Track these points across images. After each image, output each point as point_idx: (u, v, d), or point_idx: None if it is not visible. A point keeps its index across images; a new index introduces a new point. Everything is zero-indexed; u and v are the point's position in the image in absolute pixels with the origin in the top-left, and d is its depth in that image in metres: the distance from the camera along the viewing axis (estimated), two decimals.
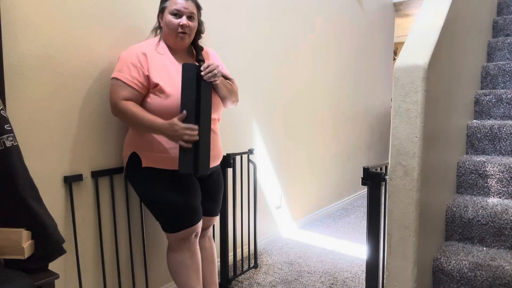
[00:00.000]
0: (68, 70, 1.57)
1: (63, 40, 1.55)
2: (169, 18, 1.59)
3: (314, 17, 3.14)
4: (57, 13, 1.52)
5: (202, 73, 1.54)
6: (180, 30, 1.59)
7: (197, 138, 1.50)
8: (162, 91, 1.55)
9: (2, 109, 1.12)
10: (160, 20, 1.65)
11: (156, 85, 1.55)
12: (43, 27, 1.48)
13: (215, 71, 1.56)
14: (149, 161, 1.59)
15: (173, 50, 1.66)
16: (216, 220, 1.94)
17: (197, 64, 1.58)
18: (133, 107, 1.53)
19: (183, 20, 1.59)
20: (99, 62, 1.67)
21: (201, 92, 1.52)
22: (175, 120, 1.49)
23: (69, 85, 1.58)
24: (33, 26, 1.45)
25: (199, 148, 1.51)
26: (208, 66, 1.55)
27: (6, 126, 1.11)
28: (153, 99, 1.56)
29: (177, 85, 1.57)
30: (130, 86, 1.53)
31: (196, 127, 1.50)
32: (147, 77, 1.55)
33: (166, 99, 1.55)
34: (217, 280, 1.92)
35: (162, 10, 1.62)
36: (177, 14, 1.58)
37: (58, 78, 1.54)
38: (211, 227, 1.92)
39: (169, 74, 1.58)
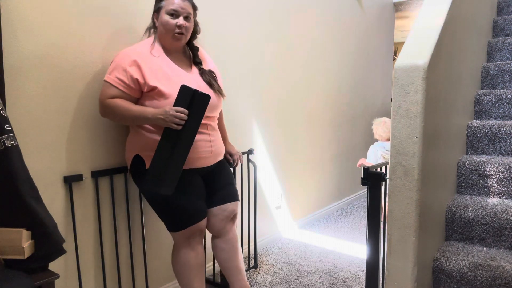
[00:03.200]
0: (68, 70, 1.57)
1: (63, 40, 1.55)
2: (166, 18, 1.58)
3: (314, 17, 3.14)
4: (57, 13, 1.52)
5: (234, 166, 1.91)
6: (177, 30, 1.59)
7: (183, 122, 1.49)
8: (161, 94, 1.55)
9: (2, 109, 1.12)
10: (155, 20, 1.64)
11: (154, 88, 1.55)
12: (43, 27, 1.48)
13: (240, 160, 1.93)
14: None
15: (168, 51, 1.65)
16: (238, 207, 1.86)
17: (194, 89, 1.55)
18: (121, 102, 1.54)
19: (180, 21, 1.58)
20: (100, 62, 1.68)
21: (191, 115, 1.51)
22: (167, 106, 1.51)
23: (69, 85, 1.58)
24: (33, 26, 1.45)
25: (169, 168, 1.51)
26: (237, 160, 1.91)
27: (6, 126, 1.11)
28: (152, 103, 1.56)
29: (175, 86, 1.56)
30: (116, 88, 1.54)
31: (186, 111, 1.50)
32: (137, 81, 1.54)
33: (166, 101, 1.55)
34: (243, 267, 1.89)
35: (158, 10, 1.61)
36: (174, 14, 1.58)
37: (58, 78, 1.54)
38: (235, 219, 1.86)
39: (166, 76, 1.58)
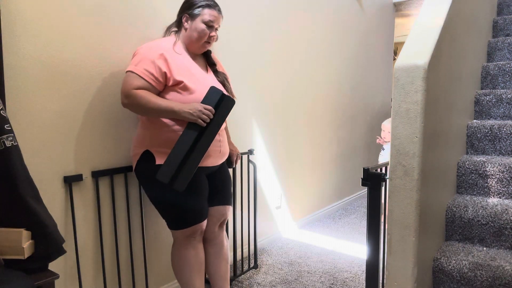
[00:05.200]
0: (68, 70, 1.57)
1: (63, 40, 1.55)
2: (202, 27, 1.63)
3: (314, 17, 3.14)
4: (57, 14, 1.52)
5: (233, 166, 1.93)
6: (207, 40, 1.66)
7: (208, 120, 1.55)
8: (186, 88, 1.59)
9: (2, 109, 1.12)
10: (185, 22, 1.67)
11: (180, 82, 1.58)
12: (43, 27, 1.48)
13: (238, 159, 1.95)
14: (163, 158, 1.60)
15: (188, 51, 1.70)
16: (230, 211, 1.92)
17: (222, 91, 1.62)
18: (146, 93, 1.55)
19: (213, 32, 1.66)
20: (100, 62, 1.67)
21: (215, 116, 1.57)
22: (195, 102, 1.57)
23: (69, 85, 1.58)
24: (33, 26, 1.45)
25: (185, 164, 1.54)
26: (236, 159, 1.93)
27: (6, 126, 1.11)
28: (174, 96, 1.59)
29: (199, 82, 1.62)
30: (144, 79, 1.55)
31: (213, 110, 1.56)
32: (165, 74, 1.57)
33: (190, 95, 1.59)
34: (227, 273, 1.92)
35: (192, 15, 1.65)
36: (211, 25, 1.65)
37: (58, 78, 1.54)
38: (224, 223, 1.90)
39: (189, 72, 1.62)
